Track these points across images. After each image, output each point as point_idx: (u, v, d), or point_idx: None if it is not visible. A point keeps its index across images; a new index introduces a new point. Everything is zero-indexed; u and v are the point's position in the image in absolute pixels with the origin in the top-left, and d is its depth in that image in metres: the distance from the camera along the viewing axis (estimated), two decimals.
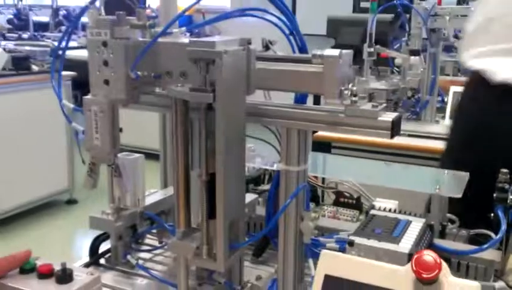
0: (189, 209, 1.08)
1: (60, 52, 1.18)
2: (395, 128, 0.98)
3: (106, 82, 1.07)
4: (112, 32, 1.06)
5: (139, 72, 1.06)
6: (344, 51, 1.00)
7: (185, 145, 1.06)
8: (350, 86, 1.02)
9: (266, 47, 1.15)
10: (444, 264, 0.76)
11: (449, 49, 3.90)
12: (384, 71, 3.21)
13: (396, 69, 3.18)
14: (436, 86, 2.89)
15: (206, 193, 1.02)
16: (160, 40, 1.05)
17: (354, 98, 1.00)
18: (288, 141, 1.06)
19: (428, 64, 2.86)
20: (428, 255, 0.75)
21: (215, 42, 0.95)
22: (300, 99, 1.10)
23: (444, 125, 2.69)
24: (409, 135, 2.69)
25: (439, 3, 3.45)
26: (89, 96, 1.09)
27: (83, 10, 1.14)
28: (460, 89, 2.77)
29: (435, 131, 2.71)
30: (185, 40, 1.05)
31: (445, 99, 2.98)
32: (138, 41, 1.08)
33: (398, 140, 2.87)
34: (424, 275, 0.74)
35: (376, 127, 0.98)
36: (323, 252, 0.84)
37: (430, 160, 2.47)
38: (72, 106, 1.20)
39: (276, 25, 1.10)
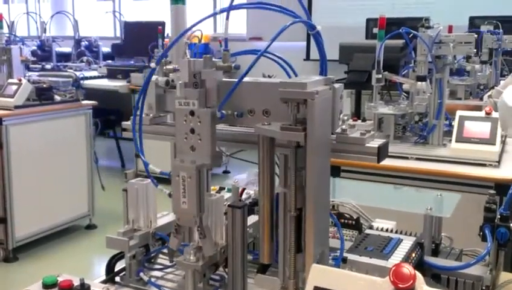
0: (274, 243, 1.11)
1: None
2: (381, 153, 1.08)
3: (192, 148, 1.13)
4: (199, 102, 1.11)
5: (223, 111, 1.12)
6: (335, 85, 1.10)
7: (271, 181, 1.10)
8: (341, 115, 1.12)
9: None
10: (419, 275, 0.84)
11: (461, 73, 3.97)
12: (397, 96, 3.29)
13: (405, 95, 3.25)
14: (443, 110, 2.96)
15: (294, 227, 1.06)
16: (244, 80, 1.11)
17: (344, 127, 1.10)
18: (285, 166, 1.16)
19: (435, 89, 2.94)
20: (404, 268, 0.84)
21: (306, 83, 1.00)
22: None
23: (451, 148, 2.74)
24: (417, 159, 2.75)
25: (450, 30, 3.53)
26: (177, 162, 1.13)
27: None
28: (465, 113, 2.85)
29: (442, 154, 2.77)
30: (273, 80, 1.11)
31: (452, 123, 3.04)
32: (223, 82, 1.14)
33: (406, 164, 2.87)
34: (400, 285, 0.83)
35: (364, 153, 1.08)
36: (313, 265, 0.93)
37: (437, 183, 2.53)
38: (158, 170, 1.24)
39: (277, 62, 1.21)
